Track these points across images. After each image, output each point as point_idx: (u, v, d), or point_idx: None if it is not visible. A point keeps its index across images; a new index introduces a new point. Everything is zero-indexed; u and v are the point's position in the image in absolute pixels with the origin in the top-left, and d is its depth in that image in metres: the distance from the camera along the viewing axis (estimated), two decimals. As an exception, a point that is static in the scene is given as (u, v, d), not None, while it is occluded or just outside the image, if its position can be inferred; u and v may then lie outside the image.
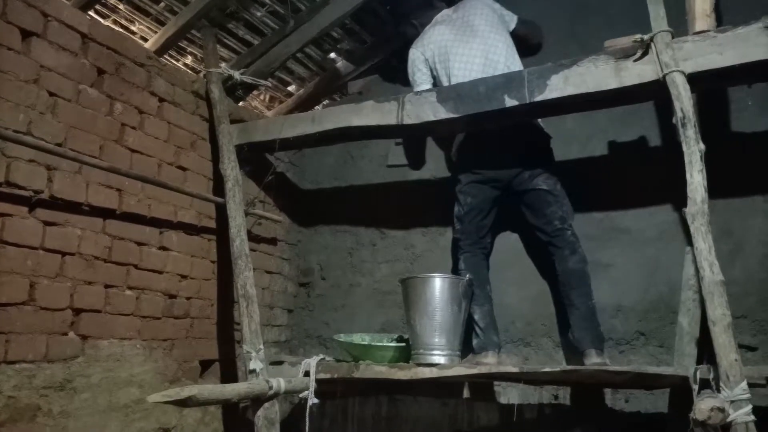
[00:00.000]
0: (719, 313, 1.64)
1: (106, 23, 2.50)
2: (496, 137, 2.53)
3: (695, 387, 1.72)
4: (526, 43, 2.86)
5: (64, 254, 2.05)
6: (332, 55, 3.34)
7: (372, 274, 3.21)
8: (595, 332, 2.35)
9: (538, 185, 2.52)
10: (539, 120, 2.63)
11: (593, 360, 2.26)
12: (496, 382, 2.67)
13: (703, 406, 1.53)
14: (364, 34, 3.27)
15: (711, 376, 1.70)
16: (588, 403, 2.56)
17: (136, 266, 2.32)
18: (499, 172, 2.56)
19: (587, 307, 2.39)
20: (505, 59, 2.60)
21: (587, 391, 2.58)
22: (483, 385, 2.68)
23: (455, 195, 2.67)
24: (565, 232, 2.48)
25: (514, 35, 2.78)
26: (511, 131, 2.50)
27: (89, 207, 2.15)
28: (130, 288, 2.29)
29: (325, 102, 3.54)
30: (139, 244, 2.35)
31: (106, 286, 2.20)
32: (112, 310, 2.21)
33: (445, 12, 2.85)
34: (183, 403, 1.77)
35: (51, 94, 2.05)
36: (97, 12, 2.49)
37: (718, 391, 1.61)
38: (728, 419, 1.54)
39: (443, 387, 2.74)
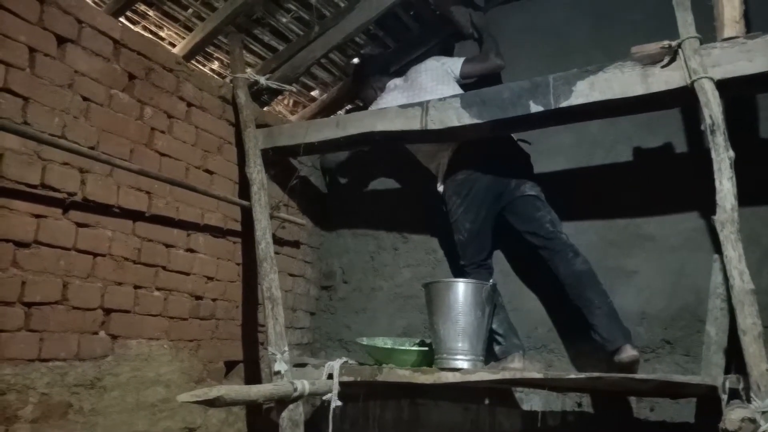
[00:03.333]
0: (750, 322, 1.62)
1: (137, 29, 2.55)
2: (479, 158, 2.61)
3: (724, 397, 1.70)
4: (485, 75, 2.92)
5: (95, 255, 2.10)
6: (355, 60, 3.36)
7: (393, 278, 3.23)
8: (623, 327, 2.35)
9: (525, 192, 2.62)
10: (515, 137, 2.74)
11: (630, 353, 2.25)
12: (518, 389, 2.66)
13: (734, 416, 1.52)
14: (388, 40, 3.29)
15: (740, 386, 1.68)
16: (613, 410, 2.54)
17: (164, 268, 2.36)
18: (490, 189, 2.63)
19: (608, 305, 2.37)
20: None
21: (612, 399, 2.56)
22: (505, 391, 2.67)
23: (452, 225, 2.72)
24: (559, 235, 2.52)
25: (468, 77, 2.87)
26: (493, 150, 2.60)
27: (120, 209, 2.20)
28: (158, 289, 2.33)
29: (348, 107, 3.57)
30: (167, 246, 2.39)
31: (136, 287, 2.24)
32: (141, 311, 2.25)
33: (396, 80, 3.00)
34: (211, 403, 1.80)
35: (84, 98, 2.10)
36: (127, 18, 2.53)
37: (749, 401, 1.59)
38: (760, 430, 1.52)
39: (465, 392, 2.75)
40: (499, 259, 2.83)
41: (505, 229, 2.75)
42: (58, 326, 1.95)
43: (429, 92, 2.73)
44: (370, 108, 2.92)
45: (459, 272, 2.78)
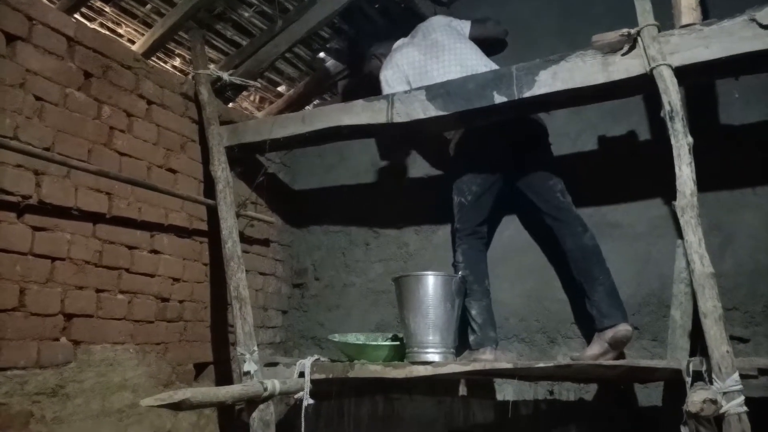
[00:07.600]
0: (710, 305, 1.65)
1: (93, 26, 2.49)
2: (497, 128, 2.53)
3: (688, 379, 1.73)
4: (487, 43, 2.88)
5: (54, 259, 2.03)
6: (321, 54, 3.33)
7: (366, 273, 3.21)
8: (622, 306, 2.35)
9: (538, 160, 2.58)
10: (541, 116, 2.67)
11: (626, 328, 2.25)
12: (491, 379, 2.67)
13: (696, 398, 1.54)
14: (353, 33, 3.26)
15: (704, 369, 1.70)
16: (585, 397, 2.57)
17: (127, 270, 2.31)
18: (505, 155, 2.58)
19: (611, 282, 2.38)
20: (484, 62, 2.63)
21: (585, 386, 2.59)
22: (479, 382, 2.68)
23: (455, 187, 2.67)
24: (571, 207, 2.50)
25: (476, 39, 2.82)
26: (512, 121, 2.52)
27: (78, 211, 2.14)
28: (121, 292, 2.28)
29: (316, 102, 3.54)
30: (130, 247, 2.33)
31: (98, 291, 2.18)
32: (104, 315, 2.20)
33: (403, 39, 2.90)
34: (177, 406, 1.76)
35: (37, 98, 2.04)
36: (83, 15, 2.47)
37: (711, 383, 1.62)
38: (721, 410, 1.55)
39: (438, 385, 2.75)
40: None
41: (511, 210, 2.73)
42: (16, 333, 1.89)
43: (449, 50, 2.67)
44: (380, 73, 2.79)
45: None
